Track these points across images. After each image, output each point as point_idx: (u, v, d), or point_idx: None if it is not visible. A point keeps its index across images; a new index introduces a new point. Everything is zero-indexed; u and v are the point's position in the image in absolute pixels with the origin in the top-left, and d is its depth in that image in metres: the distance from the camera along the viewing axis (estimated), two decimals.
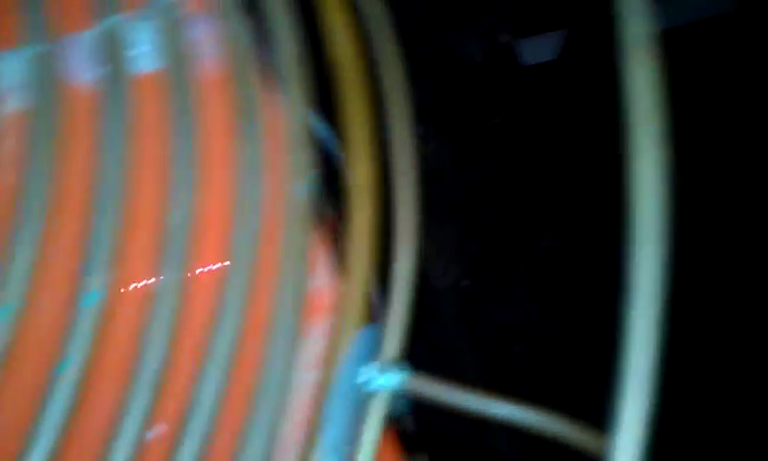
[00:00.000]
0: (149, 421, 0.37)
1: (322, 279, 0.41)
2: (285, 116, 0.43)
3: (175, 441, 0.36)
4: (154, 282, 0.39)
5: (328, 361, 0.36)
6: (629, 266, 0.26)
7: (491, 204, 1.44)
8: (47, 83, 0.42)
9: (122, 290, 0.40)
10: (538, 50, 1.52)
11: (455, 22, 1.56)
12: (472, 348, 1.33)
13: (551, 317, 1.36)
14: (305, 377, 0.39)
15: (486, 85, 1.52)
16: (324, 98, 0.44)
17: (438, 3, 1.57)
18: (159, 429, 0.37)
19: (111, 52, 0.44)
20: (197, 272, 0.41)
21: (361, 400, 0.36)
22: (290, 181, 0.41)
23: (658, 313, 0.25)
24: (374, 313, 0.39)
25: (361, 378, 0.36)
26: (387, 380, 0.36)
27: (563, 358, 1.33)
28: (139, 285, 0.40)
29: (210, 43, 0.46)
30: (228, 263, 0.40)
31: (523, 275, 1.39)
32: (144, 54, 0.45)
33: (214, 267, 0.41)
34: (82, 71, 0.44)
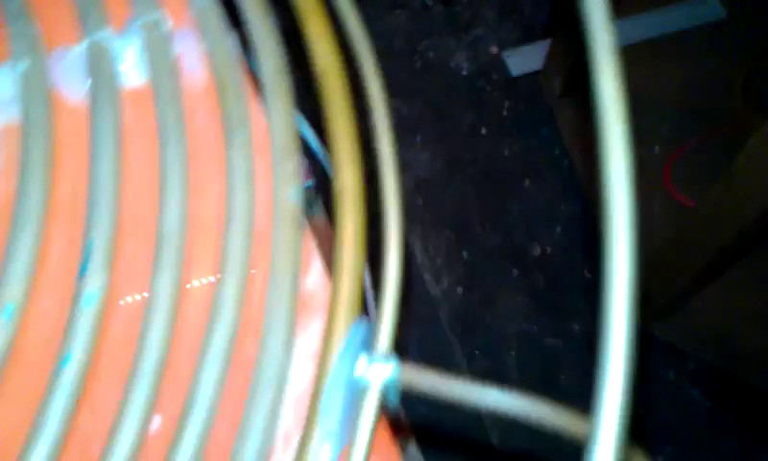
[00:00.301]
0: (149, 414, 0.38)
1: (316, 279, 0.43)
2: (271, 126, 0.44)
3: (175, 434, 0.37)
4: (150, 283, 0.40)
5: (324, 355, 0.37)
6: (603, 259, 0.27)
7: (482, 212, 1.45)
8: (38, 96, 0.43)
9: (120, 290, 0.41)
10: (524, 61, 1.54)
11: (443, 35, 1.57)
12: (466, 353, 1.34)
13: (545, 323, 1.37)
14: (303, 371, 0.40)
15: (474, 96, 1.53)
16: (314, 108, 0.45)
17: (427, 16, 1.59)
18: (160, 423, 0.38)
19: (99, 66, 0.45)
20: (191, 272, 0.42)
21: (356, 391, 0.37)
22: (280, 187, 0.42)
23: (632, 301, 0.26)
24: (366, 309, 0.40)
25: (356, 370, 0.37)
26: (380, 371, 0.37)
27: (556, 363, 1.34)
28: (136, 285, 0.41)
29: (195, 57, 0.47)
30: (221, 264, 0.41)
31: (516, 282, 1.40)
32: (131, 68, 0.46)
33: (208, 275, 0.42)
34: (71, 84, 0.45)
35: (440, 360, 1.33)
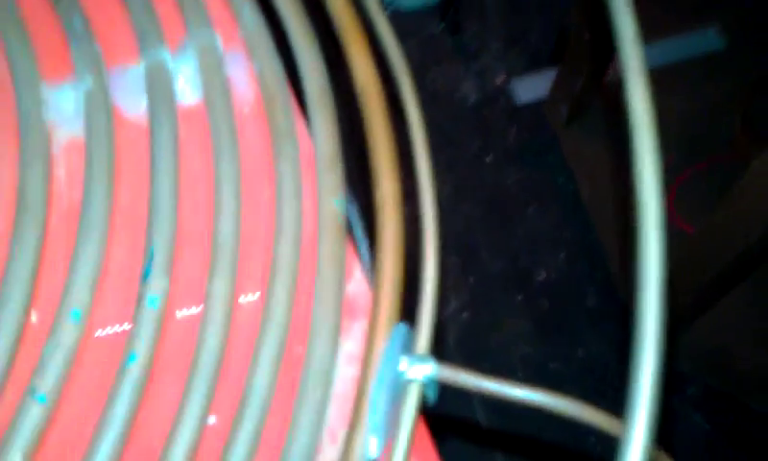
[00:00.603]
0: (207, 411, 0.40)
1: (357, 285, 0.45)
2: (316, 139, 0.47)
3: (231, 430, 0.39)
4: (207, 290, 0.43)
5: (368, 356, 0.40)
6: (636, 267, 0.29)
7: (488, 238, 1.47)
8: (99, 112, 0.46)
9: (179, 295, 0.44)
10: (530, 89, 1.57)
11: (451, 63, 1.60)
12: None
13: (549, 348, 1.39)
14: (344, 372, 0.43)
15: (481, 123, 1.56)
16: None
17: (435, 45, 1.61)
18: (216, 420, 0.41)
19: (157, 84, 0.48)
20: (244, 278, 0.44)
21: (398, 388, 0.39)
22: (325, 197, 0.45)
23: (663, 306, 0.29)
24: (405, 313, 0.42)
25: (398, 369, 0.39)
26: (420, 370, 0.39)
27: (559, 387, 1.36)
28: (194, 292, 0.44)
29: (245, 77, 0.50)
30: (272, 271, 0.43)
31: (521, 307, 1.42)
32: (186, 87, 0.49)
33: (260, 282, 0.45)
34: (130, 101, 0.48)
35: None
